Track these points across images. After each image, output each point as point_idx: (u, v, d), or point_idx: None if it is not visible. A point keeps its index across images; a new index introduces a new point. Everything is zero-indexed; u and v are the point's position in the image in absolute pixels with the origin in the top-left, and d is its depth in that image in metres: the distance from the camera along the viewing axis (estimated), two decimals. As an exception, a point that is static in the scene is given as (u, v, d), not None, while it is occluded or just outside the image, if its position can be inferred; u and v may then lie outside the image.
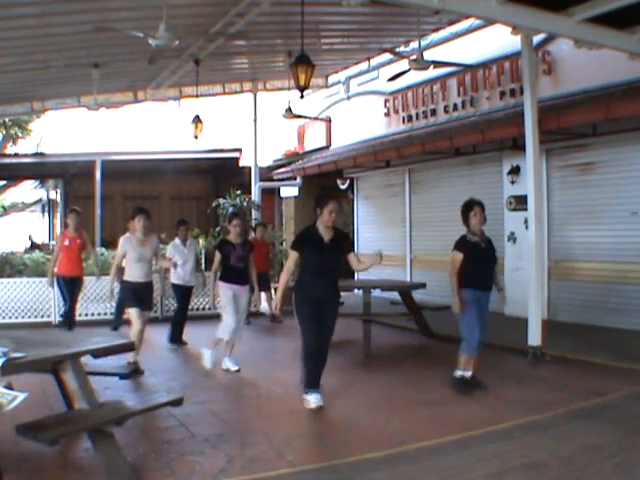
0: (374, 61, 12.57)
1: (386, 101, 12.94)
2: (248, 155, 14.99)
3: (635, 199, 8.25)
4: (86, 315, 10.16)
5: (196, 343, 8.48)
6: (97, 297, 10.28)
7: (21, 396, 3.40)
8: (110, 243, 11.89)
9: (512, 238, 9.85)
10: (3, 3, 6.77)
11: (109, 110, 13.30)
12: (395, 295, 8.83)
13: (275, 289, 7.08)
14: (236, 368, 6.74)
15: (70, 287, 8.40)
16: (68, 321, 8.46)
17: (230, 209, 12.37)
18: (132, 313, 6.62)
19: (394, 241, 12.98)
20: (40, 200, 24.17)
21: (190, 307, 9.05)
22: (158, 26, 6.63)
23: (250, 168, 14.36)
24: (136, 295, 6.61)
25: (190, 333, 8.55)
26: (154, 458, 4.16)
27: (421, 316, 8.65)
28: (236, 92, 13.65)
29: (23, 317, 10.22)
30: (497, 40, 9.65)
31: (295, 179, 14.86)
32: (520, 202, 9.34)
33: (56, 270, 8.40)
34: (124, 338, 5.62)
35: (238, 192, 12.82)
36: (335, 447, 4.40)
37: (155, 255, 6.85)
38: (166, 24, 6.62)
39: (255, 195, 13.88)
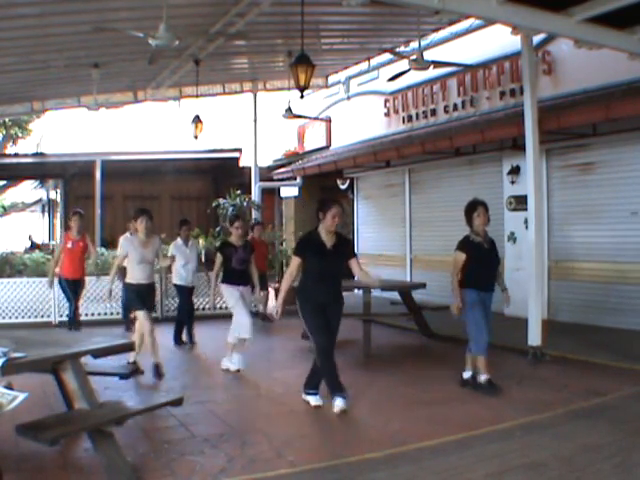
0: (374, 61, 12.57)
1: (386, 101, 12.94)
2: (248, 155, 15.00)
3: (635, 199, 8.25)
4: (86, 315, 10.16)
5: (200, 343, 8.54)
6: (97, 297, 10.29)
7: (21, 396, 3.40)
8: (110, 243, 11.91)
9: (512, 238, 9.85)
10: (3, 3, 6.77)
11: (109, 110, 13.31)
12: (395, 295, 8.83)
13: (276, 290, 7.08)
14: (236, 368, 6.75)
15: (73, 288, 8.43)
16: (75, 322, 8.46)
17: (230, 209, 12.38)
18: (140, 316, 6.62)
19: (394, 241, 12.98)
20: (40, 200, 24.17)
21: (195, 307, 9.06)
22: (158, 26, 6.63)
23: (250, 168, 14.37)
24: (140, 297, 6.61)
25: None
26: (154, 458, 4.16)
27: (421, 316, 8.65)
28: (236, 92, 13.66)
29: (23, 317, 10.23)
30: (497, 40, 9.64)
31: (295, 179, 14.86)
32: (520, 202, 9.34)
33: (58, 271, 8.40)
34: (126, 338, 5.63)
35: (238, 192, 12.82)
36: (335, 447, 4.40)
37: (157, 256, 6.86)
38: (166, 24, 6.62)
39: (255, 195, 13.89)
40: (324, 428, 4.79)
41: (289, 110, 12.75)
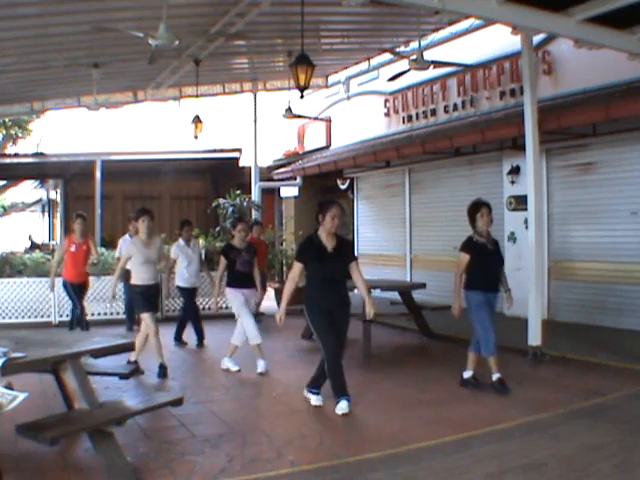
0: (374, 61, 12.56)
1: (386, 101, 12.94)
2: (248, 155, 14.99)
3: (635, 199, 8.25)
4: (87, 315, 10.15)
5: (210, 343, 8.56)
6: (98, 297, 10.29)
7: (21, 396, 3.40)
8: (110, 243, 11.91)
9: (512, 238, 9.85)
10: (3, 3, 6.77)
11: (109, 110, 13.31)
12: (395, 295, 8.83)
13: (275, 290, 7.08)
14: (237, 368, 6.76)
15: (78, 292, 8.43)
16: (83, 322, 8.47)
17: (230, 209, 12.38)
18: (146, 318, 6.64)
19: (394, 241, 12.98)
20: (40, 200, 24.19)
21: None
22: (158, 26, 6.63)
23: (250, 168, 14.37)
24: (146, 298, 6.61)
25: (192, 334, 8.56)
26: (154, 458, 4.16)
27: (421, 316, 8.65)
28: (236, 92, 13.66)
29: (23, 317, 10.23)
30: (497, 40, 9.65)
31: (295, 179, 14.86)
32: (520, 202, 9.34)
33: (62, 275, 8.38)
34: (127, 338, 5.63)
35: (238, 192, 12.82)
36: (335, 447, 4.40)
37: (160, 255, 6.86)
38: (166, 24, 6.62)
39: (255, 195, 13.88)
40: (324, 428, 4.79)
41: (289, 110, 12.75)
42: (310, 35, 8.41)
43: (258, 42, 9.94)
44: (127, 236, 9.24)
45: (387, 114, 12.96)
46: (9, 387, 3.70)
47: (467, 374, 5.91)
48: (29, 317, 10.25)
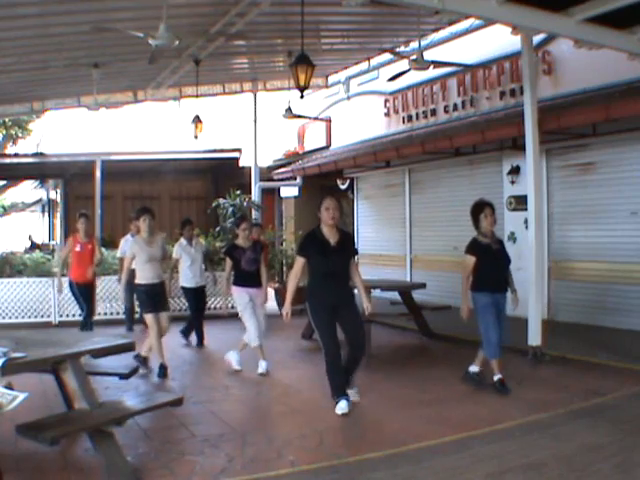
0: (374, 61, 12.55)
1: (386, 101, 12.94)
2: (248, 155, 14.98)
3: (635, 199, 8.25)
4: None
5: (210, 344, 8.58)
6: (97, 297, 10.28)
7: (21, 396, 3.40)
8: (110, 243, 11.90)
9: (512, 238, 9.85)
10: (3, 3, 6.77)
11: (109, 110, 13.30)
12: (395, 295, 8.82)
13: (275, 290, 7.07)
14: (238, 368, 6.78)
15: (84, 292, 8.38)
16: (89, 323, 8.44)
17: (230, 209, 12.37)
18: (148, 319, 6.66)
19: (394, 241, 12.98)
20: (40, 200, 24.18)
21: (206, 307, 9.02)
22: (158, 26, 6.62)
23: (250, 168, 14.36)
24: (151, 298, 6.61)
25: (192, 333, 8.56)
26: (154, 458, 4.16)
27: (421, 316, 8.64)
28: (236, 92, 13.65)
29: (23, 317, 10.23)
30: (497, 40, 9.65)
31: (295, 179, 14.86)
32: (520, 202, 9.34)
33: (67, 275, 8.36)
34: (127, 338, 5.62)
35: (238, 192, 12.81)
36: (335, 447, 4.40)
37: (164, 253, 6.86)
38: (166, 24, 6.61)
39: (255, 195, 13.88)
40: (324, 428, 4.79)
41: (289, 110, 12.75)
42: (310, 35, 8.41)
43: (258, 42, 9.93)
44: (129, 236, 9.23)
45: (387, 114, 12.96)
46: (9, 387, 3.70)
47: (473, 368, 5.91)
48: (29, 317, 10.26)
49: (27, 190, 23.80)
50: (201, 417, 5.13)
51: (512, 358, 7.08)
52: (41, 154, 16.49)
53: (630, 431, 4.51)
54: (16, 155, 17.44)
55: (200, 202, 18.15)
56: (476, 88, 10.78)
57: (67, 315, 10.32)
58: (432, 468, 3.95)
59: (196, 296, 8.65)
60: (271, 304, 10.67)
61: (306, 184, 14.80)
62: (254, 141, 13.98)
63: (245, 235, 7.01)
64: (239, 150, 16.22)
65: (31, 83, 10.82)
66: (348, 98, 14.33)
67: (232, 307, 7.07)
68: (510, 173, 9.90)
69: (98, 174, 15.20)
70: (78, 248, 8.29)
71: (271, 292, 10.64)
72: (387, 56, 11.49)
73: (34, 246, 18.10)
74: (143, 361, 6.73)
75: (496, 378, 5.73)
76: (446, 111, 11.41)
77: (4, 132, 22.20)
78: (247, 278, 6.87)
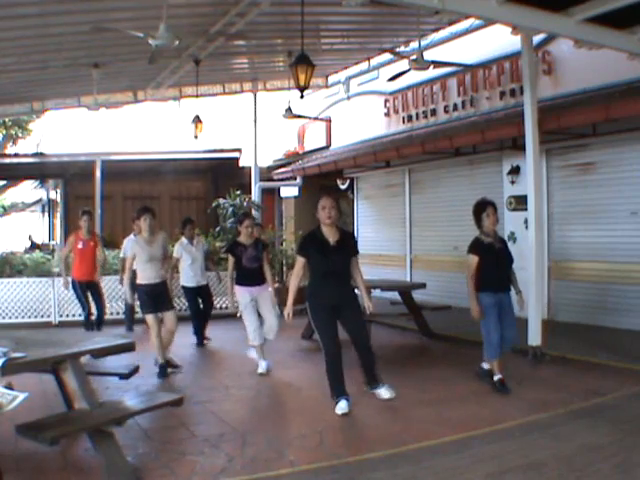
0: (374, 61, 12.56)
1: (386, 101, 12.94)
2: (248, 155, 14.98)
3: (635, 199, 8.25)
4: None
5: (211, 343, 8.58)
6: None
7: (21, 396, 3.40)
8: (110, 243, 11.90)
9: (512, 238, 9.85)
10: (3, 3, 6.77)
11: (109, 110, 13.29)
12: (395, 295, 8.83)
13: (275, 290, 7.05)
14: (263, 370, 6.76)
15: (87, 291, 8.34)
16: (91, 323, 8.41)
17: (230, 209, 12.38)
18: (148, 319, 6.65)
19: (394, 241, 12.98)
20: (40, 200, 24.16)
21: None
22: (158, 26, 6.62)
23: (250, 168, 14.37)
24: (152, 299, 6.59)
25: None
26: (154, 458, 4.16)
27: (421, 316, 8.64)
28: (236, 92, 13.64)
29: (23, 317, 10.23)
30: (497, 40, 9.65)
31: (295, 179, 14.86)
32: (520, 202, 9.34)
33: (70, 274, 8.34)
34: (128, 338, 5.62)
35: (238, 192, 12.82)
36: (335, 447, 4.40)
37: (165, 252, 6.81)
38: (166, 24, 6.61)
39: (255, 195, 13.88)
40: (324, 428, 4.79)
41: (289, 110, 12.75)
42: (310, 35, 8.41)
43: (258, 42, 9.93)
44: (132, 236, 9.23)
45: (387, 114, 12.96)
46: (9, 387, 3.71)
47: (486, 365, 5.90)
48: (29, 317, 10.26)
49: (27, 190, 23.79)
50: (201, 417, 5.13)
51: (512, 358, 7.08)
52: (41, 154, 16.49)
53: (630, 431, 4.51)
54: (16, 155, 17.44)
55: (200, 202, 18.14)
56: (476, 88, 10.78)
57: (67, 315, 10.33)
58: (432, 468, 3.95)
59: (197, 296, 8.64)
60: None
61: (306, 184, 14.79)
62: (254, 141, 13.99)
63: (248, 232, 6.92)
64: (239, 150, 16.21)
65: (31, 83, 10.82)
66: (348, 98, 14.33)
67: (237, 306, 7.02)
68: (510, 173, 9.90)
69: (98, 174, 15.20)
70: (80, 245, 8.27)
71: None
72: (387, 56, 11.49)
73: (34, 246, 18.09)
74: (169, 364, 6.75)
75: (496, 378, 5.73)
76: (446, 111, 11.41)
77: (4, 132, 22.20)
78: (248, 276, 6.80)
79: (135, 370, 5.32)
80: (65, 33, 8.17)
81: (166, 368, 6.61)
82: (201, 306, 8.72)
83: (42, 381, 5.22)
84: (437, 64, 8.92)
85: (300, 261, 5.35)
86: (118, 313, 10.34)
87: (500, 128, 9.17)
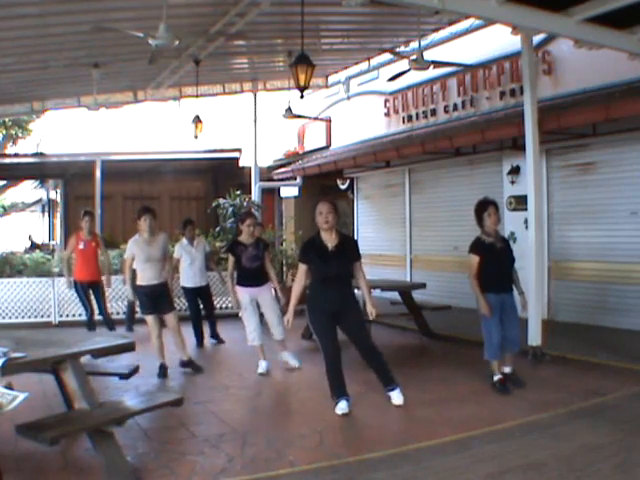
0: (374, 61, 12.56)
1: (386, 101, 12.94)
2: (248, 155, 14.98)
3: (635, 199, 8.25)
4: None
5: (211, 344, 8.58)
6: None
7: (21, 396, 3.40)
8: (110, 243, 11.90)
9: (512, 238, 9.84)
10: (3, 3, 6.77)
11: (109, 110, 13.30)
12: (395, 295, 8.82)
13: (275, 290, 7.05)
14: (297, 364, 6.84)
15: (89, 292, 8.33)
16: (94, 324, 8.40)
17: (230, 209, 12.38)
18: (148, 320, 6.65)
19: (394, 241, 12.98)
20: (40, 200, 24.15)
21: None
22: (158, 26, 6.62)
23: (250, 168, 14.37)
24: (151, 300, 6.57)
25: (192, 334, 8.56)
26: (154, 458, 4.16)
27: (421, 316, 8.64)
28: (236, 92, 13.65)
29: (23, 317, 10.23)
30: (497, 40, 9.64)
31: (295, 179, 14.85)
32: (520, 202, 9.34)
33: (73, 275, 8.34)
34: (128, 338, 5.62)
35: (238, 192, 12.81)
36: (335, 447, 4.40)
37: (165, 253, 6.77)
38: (166, 24, 6.61)
39: (255, 195, 13.88)
40: (324, 428, 4.79)
41: (289, 110, 12.75)
42: (310, 35, 8.40)
43: (258, 42, 9.94)
44: (137, 236, 9.22)
45: (387, 114, 12.96)
46: (9, 387, 3.70)
47: (507, 369, 5.89)
48: (29, 317, 10.25)
49: (27, 190, 23.77)
50: (201, 417, 5.13)
51: (512, 358, 7.09)
52: (41, 154, 16.49)
53: (630, 431, 4.51)
54: (16, 155, 17.44)
55: (200, 202, 18.14)
56: (476, 88, 10.78)
57: (67, 315, 10.33)
58: (432, 468, 3.95)
59: (197, 296, 8.63)
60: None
61: (306, 184, 14.80)
62: (254, 141, 13.99)
63: (249, 231, 6.84)
64: (239, 150, 16.21)
65: (31, 83, 10.82)
66: (348, 98, 14.32)
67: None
68: (510, 173, 9.90)
69: (98, 174, 15.19)
70: (81, 246, 8.27)
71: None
72: (387, 56, 11.49)
73: (34, 246, 18.10)
74: (189, 364, 6.77)
75: (496, 378, 5.74)
76: (446, 111, 11.41)
77: (4, 132, 22.20)
78: (248, 276, 6.77)
79: (135, 370, 5.32)
80: (65, 33, 8.17)
81: (166, 368, 6.60)
82: (202, 307, 8.73)
83: (42, 381, 5.22)
84: (437, 64, 8.92)
85: (302, 268, 5.37)
86: (118, 313, 10.34)
87: (500, 128, 9.17)
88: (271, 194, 16.47)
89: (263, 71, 12.66)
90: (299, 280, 5.40)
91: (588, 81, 8.63)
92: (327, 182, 14.70)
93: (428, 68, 8.79)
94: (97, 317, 8.51)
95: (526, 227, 8.21)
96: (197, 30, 8.45)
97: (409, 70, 9.03)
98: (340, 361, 5.23)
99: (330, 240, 5.24)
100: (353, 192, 14.57)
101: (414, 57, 8.55)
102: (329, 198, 5.51)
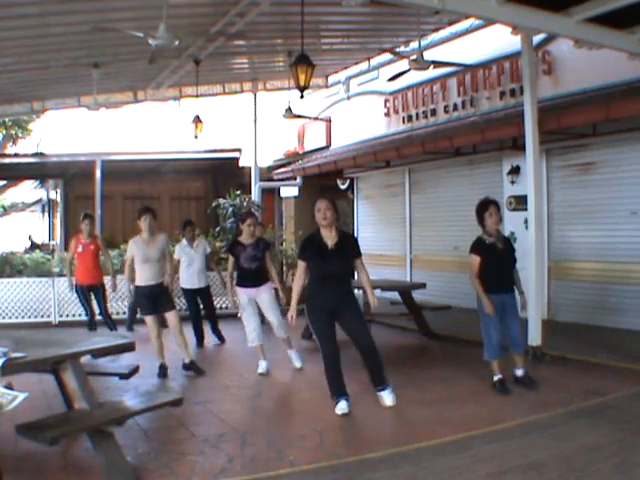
0: (374, 61, 12.56)
1: (386, 101, 12.94)
2: (248, 155, 14.98)
3: (635, 199, 8.25)
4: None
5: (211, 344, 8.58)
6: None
7: (21, 396, 3.40)
8: (110, 243, 11.90)
9: (512, 238, 9.82)
10: (3, 3, 6.77)
11: (109, 110, 13.30)
12: (395, 295, 8.82)
13: (275, 290, 7.04)
14: (299, 365, 6.81)
15: (89, 295, 8.32)
16: (95, 325, 8.40)
17: (230, 209, 12.37)
18: (147, 321, 6.66)
19: (394, 241, 12.98)
20: (40, 200, 24.15)
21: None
22: (158, 26, 6.62)
23: (250, 168, 14.37)
24: (150, 300, 6.56)
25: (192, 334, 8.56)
26: (154, 458, 4.16)
27: (421, 316, 8.64)
28: (236, 92, 13.64)
29: (23, 317, 10.23)
30: (497, 40, 9.64)
31: (295, 179, 14.85)
32: (520, 202, 9.34)
33: (74, 278, 8.34)
34: (128, 338, 5.62)
35: (238, 192, 12.82)
36: (335, 447, 4.40)
37: (164, 254, 6.72)
38: (166, 24, 6.61)
39: (255, 195, 13.88)
40: (324, 428, 4.79)
41: (289, 110, 12.75)
42: (310, 35, 8.40)
43: (258, 42, 9.94)
44: (137, 236, 9.21)
45: (387, 114, 12.95)
46: (9, 387, 3.70)
47: (519, 372, 5.86)
48: (29, 317, 10.26)
49: (27, 190, 23.77)
50: (201, 417, 5.13)
51: (512, 358, 7.09)
52: (41, 154, 16.48)
53: (630, 431, 4.51)
54: (16, 155, 17.44)
55: (200, 202, 18.14)
56: (476, 88, 10.78)
57: (67, 315, 10.33)
58: (432, 468, 3.95)
59: (196, 297, 8.63)
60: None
61: (306, 184, 14.79)
62: (254, 141, 13.99)
63: (249, 231, 6.79)
64: (239, 150, 16.21)
65: (31, 83, 10.82)
66: (348, 98, 14.32)
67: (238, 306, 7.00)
68: (510, 173, 9.90)
69: (98, 174, 15.19)
70: (80, 249, 8.27)
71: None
72: (387, 56, 11.49)
73: (34, 246, 18.10)
74: (190, 366, 6.71)
75: (496, 378, 5.73)
76: (446, 111, 11.41)
77: (4, 132, 22.20)
78: (246, 277, 6.74)
79: (135, 370, 5.33)
80: (65, 33, 8.17)
81: (166, 368, 6.60)
82: (202, 307, 8.73)
83: (42, 381, 5.22)
84: (437, 64, 8.92)
85: (301, 265, 5.36)
86: (118, 313, 10.34)
87: (500, 128, 9.17)
88: (271, 194, 16.47)
89: (263, 71, 12.66)
90: (299, 278, 5.39)
91: (588, 81, 8.63)
92: (327, 182, 14.70)
93: (428, 68, 8.79)
94: (98, 317, 8.50)
95: (526, 227, 8.21)
96: (197, 30, 8.45)
97: (409, 70, 9.03)
98: (339, 361, 5.22)
99: (330, 238, 5.21)
100: (353, 192, 14.57)
101: (414, 57, 8.56)
102: (328, 195, 5.50)
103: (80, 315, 9.45)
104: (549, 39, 9.04)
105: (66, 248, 8.84)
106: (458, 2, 5.53)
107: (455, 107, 11.23)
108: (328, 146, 15.06)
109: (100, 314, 8.44)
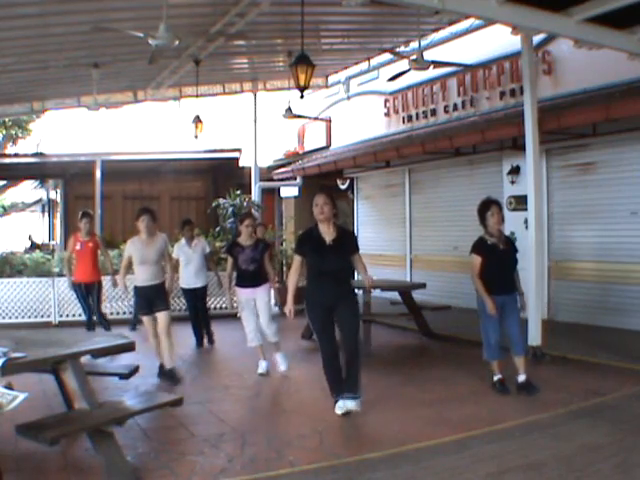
0: (374, 61, 12.55)
1: (386, 101, 12.95)
2: (248, 155, 14.98)
3: (635, 199, 8.25)
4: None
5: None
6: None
7: (21, 396, 3.40)
8: (109, 243, 11.90)
9: (512, 238, 9.84)
10: (3, 3, 6.77)
11: (109, 110, 13.29)
12: (395, 295, 8.82)
13: (276, 289, 7.04)
14: (283, 368, 6.71)
15: (86, 292, 8.32)
16: (93, 324, 8.40)
17: (230, 209, 12.37)
18: (144, 321, 6.67)
19: (394, 241, 12.98)
20: (40, 200, 24.15)
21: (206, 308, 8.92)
22: (158, 26, 6.62)
23: (250, 168, 14.37)
24: (146, 300, 6.55)
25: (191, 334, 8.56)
26: (154, 458, 4.16)
27: (421, 316, 8.64)
28: (236, 92, 13.64)
29: (23, 317, 10.23)
30: (497, 40, 9.64)
31: (295, 179, 14.86)
32: (520, 202, 9.34)
33: (73, 277, 8.34)
34: (127, 338, 5.61)
35: (238, 192, 12.81)
36: (335, 447, 4.40)
37: (163, 255, 6.67)
38: (166, 24, 6.61)
39: (255, 195, 13.88)
40: (324, 428, 4.79)
41: (289, 110, 12.76)
42: (310, 35, 8.40)
43: (258, 42, 9.93)
44: (136, 237, 9.20)
45: (387, 114, 12.96)
46: (9, 387, 3.70)
47: (521, 378, 5.73)
48: (29, 317, 10.25)
49: (27, 190, 23.77)
50: (201, 417, 5.13)
51: (512, 358, 7.08)
52: (41, 154, 16.48)
53: (630, 431, 4.51)
54: (16, 155, 17.43)
55: (200, 202, 18.13)
56: (476, 88, 10.78)
57: (67, 315, 10.32)
58: (432, 468, 3.95)
59: (194, 297, 8.63)
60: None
61: (306, 184, 14.79)
62: (254, 141, 13.98)
63: (248, 232, 6.78)
64: (239, 150, 16.21)
65: (31, 83, 10.82)
66: (348, 98, 14.33)
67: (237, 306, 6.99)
68: (510, 173, 9.90)
69: (98, 174, 15.20)
70: (78, 247, 8.27)
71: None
72: (387, 56, 11.49)
73: (34, 246, 18.10)
74: (169, 373, 6.42)
75: (496, 378, 5.73)
76: (446, 111, 11.41)
77: (4, 132, 22.19)
78: (245, 278, 6.73)
79: (135, 370, 5.33)
80: (65, 33, 8.17)
81: (164, 368, 6.57)
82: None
83: (42, 381, 5.22)
84: (437, 64, 8.92)
85: (297, 259, 5.31)
86: (118, 313, 10.34)
87: (500, 128, 9.17)
88: (271, 194, 16.47)
89: (263, 71, 12.66)
90: (294, 271, 5.32)
91: (588, 81, 8.63)
92: (327, 182, 14.68)
93: (428, 68, 8.79)
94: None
95: (526, 227, 8.21)
96: (197, 30, 8.45)
97: (409, 70, 9.03)
98: (338, 360, 5.20)
99: (328, 233, 5.16)
100: (353, 192, 14.57)
101: (414, 57, 8.56)
102: (326, 190, 5.45)
103: (80, 315, 9.44)
104: (549, 39, 9.04)
105: (66, 248, 8.82)
106: (458, 2, 5.53)
107: (455, 107, 11.23)
108: (328, 146, 15.07)
109: (94, 313, 8.43)
